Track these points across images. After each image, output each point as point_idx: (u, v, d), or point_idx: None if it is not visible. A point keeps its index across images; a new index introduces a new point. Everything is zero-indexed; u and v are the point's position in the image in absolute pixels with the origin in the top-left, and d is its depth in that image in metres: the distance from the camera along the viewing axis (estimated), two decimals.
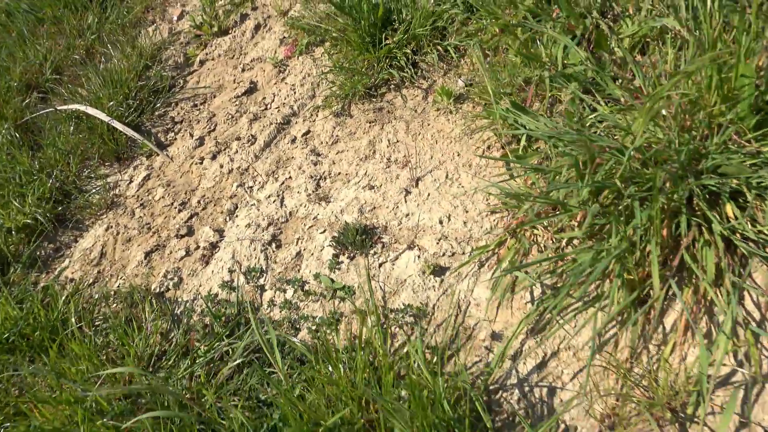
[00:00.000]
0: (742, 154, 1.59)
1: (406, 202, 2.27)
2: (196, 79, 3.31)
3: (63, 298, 2.31)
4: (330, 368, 1.74)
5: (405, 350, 1.76)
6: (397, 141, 2.51)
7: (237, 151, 2.77)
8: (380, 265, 2.11)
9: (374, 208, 2.31)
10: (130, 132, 2.96)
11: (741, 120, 1.61)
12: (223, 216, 2.55)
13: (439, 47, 2.68)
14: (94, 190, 2.86)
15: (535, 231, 1.91)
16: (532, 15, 2.41)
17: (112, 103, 3.06)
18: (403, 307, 1.92)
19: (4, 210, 2.73)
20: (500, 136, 2.19)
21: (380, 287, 2.05)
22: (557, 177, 1.79)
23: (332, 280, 2.10)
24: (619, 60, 2.17)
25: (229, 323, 2.09)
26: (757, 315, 1.55)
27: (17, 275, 2.57)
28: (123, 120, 3.03)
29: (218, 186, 2.69)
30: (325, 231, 2.29)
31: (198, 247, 2.46)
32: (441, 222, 2.14)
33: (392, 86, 2.73)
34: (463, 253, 2.03)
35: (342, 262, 2.16)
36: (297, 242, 2.32)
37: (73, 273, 2.55)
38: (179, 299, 2.29)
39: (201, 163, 2.81)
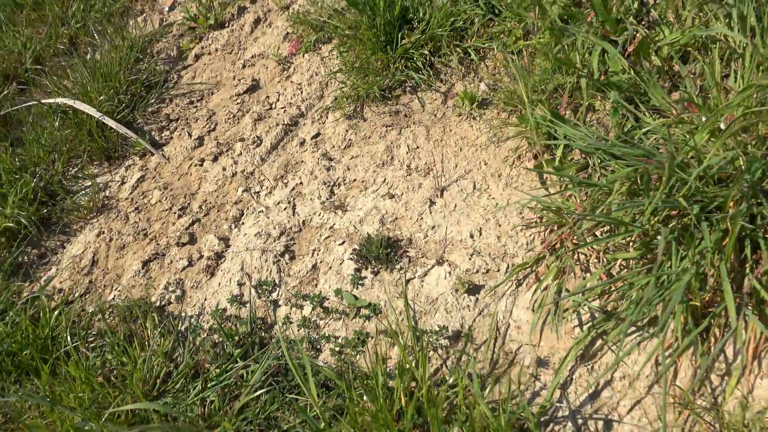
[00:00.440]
0: None
1: (431, 213, 2.13)
2: (192, 74, 3.11)
3: (53, 311, 2.10)
4: (365, 397, 1.59)
5: (450, 380, 1.62)
6: (417, 147, 2.36)
7: (241, 153, 2.59)
8: (408, 282, 1.96)
9: (396, 218, 2.16)
10: (122, 129, 2.74)
11: None
12: (228, 223, 2.37)
13: (458, 49, 2.55)
14: (82, 192, 2.64)
15: (579, 249, 1.79)
16: (560, 19, 2.30)
17: (102, 97, 2.83)
18: (438, 328, 1.78)
19: None
20: (534, 145, 2.07)
21: (410, 305, 1.90)
22: (611, 193, 1.67)
23: (356, 297, 1.95)
24: (656, 69, 2.08)
25: (242, 343, 1.92)
26: None
27: None
28: (114, 116, 2.81)
29: (221, 190, 2.50)
30: (344, 243, 2.13)
31: (201, 257, 2.28)
32: (472, 236, 2.01)
33: (408, 89, 2.59)
34: (498, 270, 1.91)
35: (365, 277, 2.01)
36: (312, 254, 2.16)
37: (61, 282, 2.33)
38: (183, 314, 2.11)
39: (201, 165, 2.61)
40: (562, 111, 2.10)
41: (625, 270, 1.69)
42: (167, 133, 2.82)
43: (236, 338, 1.92)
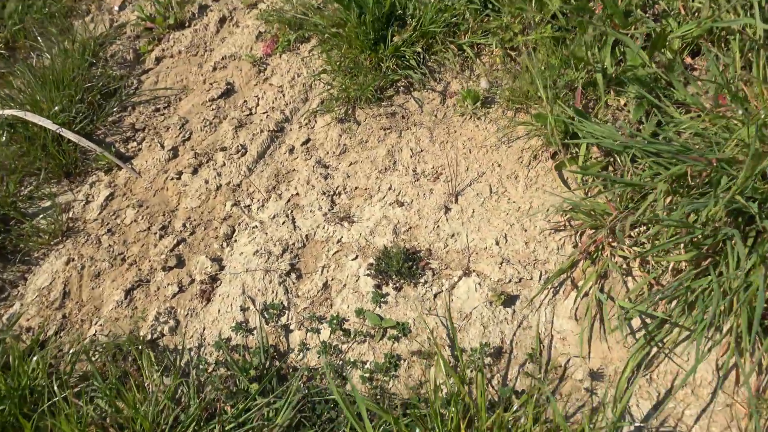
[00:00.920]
0: None
1: (447, 220, 2.00)
2: (154, 79, 2.84)
3: (25, 354, 1.82)
4: (417, 430, 1.44)
5: (516, 403, 1.49)
6: (421, 150, 2.23)
7: (224, 164, 2.36)
8: (435, 296, 1.82)
9: (410, 228, 2.02)
10: (84, 142, 2.45)
11: None
12: (219, 242, 2.14)
13: (453, 46, 2.43)
14: (41, 214, 2.34)
15: (619, 252, 1.71)
16: (561, 13, 2.23)
17: (56, 107, 2.52)
18: (478, 346, 1.65)
19: None
20: (553, 144, 1.97)
21: (441, 322, 1.77)
22: (652, 193, 1.59)
23: (380, 317, 1.79)
24: (667, 62, 2.03)
25: (260, 376, 1.72)
26: None
27: None
28: (72, 128, 2.51)
29: (206, 205, 2.27)
30: (356, 257, 1.97)
31: (193, 281, 2.05)
32: (497, 243, 1.89)
33: (401, 88, 2.44)
34: (531, 279, 1.80)
35: (387, 294, 1.85)
36: (322, 271, 1.98)
37: (29, 320, 2.04)
38: (180, 347, 1.88)
39: (179, 179, 2.37)
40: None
41: (671, 273, 1.61)
42: (134, 144, 2.55)
43: (251, 372, 1.72)
